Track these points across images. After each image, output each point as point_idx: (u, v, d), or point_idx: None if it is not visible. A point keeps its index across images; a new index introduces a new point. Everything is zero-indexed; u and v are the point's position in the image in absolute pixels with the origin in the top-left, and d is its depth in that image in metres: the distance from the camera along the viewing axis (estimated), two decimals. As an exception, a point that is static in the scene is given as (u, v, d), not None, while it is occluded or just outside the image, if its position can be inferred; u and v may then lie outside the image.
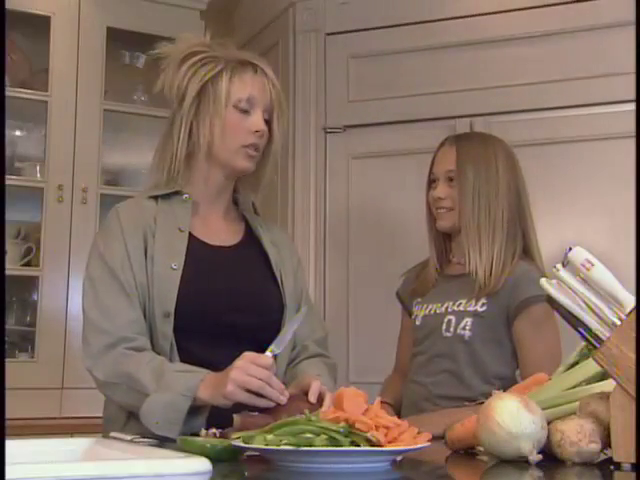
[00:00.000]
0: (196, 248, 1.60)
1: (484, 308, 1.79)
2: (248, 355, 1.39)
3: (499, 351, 1.80)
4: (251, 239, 1.70)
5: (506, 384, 1.73)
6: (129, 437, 1.33)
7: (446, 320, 1.82)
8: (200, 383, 1.40)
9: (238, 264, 1.65)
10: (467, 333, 1.79)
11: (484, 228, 1.81)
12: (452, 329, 1.80)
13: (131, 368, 1.46)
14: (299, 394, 1.42)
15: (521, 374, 1.79)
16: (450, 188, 1.86)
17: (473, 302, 1.80)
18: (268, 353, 1.40)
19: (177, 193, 1.65)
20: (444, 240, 1.93)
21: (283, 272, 1.68)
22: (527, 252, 1.85)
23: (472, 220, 1.82)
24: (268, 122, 1.65)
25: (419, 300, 1.94)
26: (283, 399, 1.36)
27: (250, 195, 1.76)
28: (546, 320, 1.75)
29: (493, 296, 1.79)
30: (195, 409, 1.41)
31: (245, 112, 1.61)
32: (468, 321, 1.79)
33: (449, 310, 1.83)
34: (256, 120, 1.61)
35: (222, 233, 1.67)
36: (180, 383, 1.41)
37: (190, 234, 1.62)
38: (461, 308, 1.81)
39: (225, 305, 1.57)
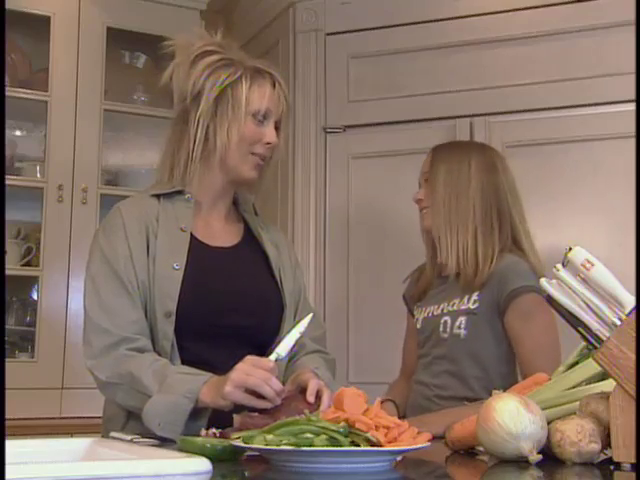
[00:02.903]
0: (197, 249, 1.60)
1: (476, 305, 1.79)
2: (250, 358, 1.40)
3: (497, 346, 1.80)
4: (250, 240, 1.70)
5: (507, 379, 1.74)
6: (129, 437, 1.34)
7: (442, 321, 1.83)
8: (202, 386, 1.41)
9: (238, 265, 1.65)
10: (463, 332, 1.79)
11: (454, 222, 1.84)
12: (448, 329, 1.81)
13: (133, 369, 1.46)
14: (297, 395, 1.42)
15: (519, 368, 1.80)
16: (427, 189, 1.92)
17: (465, 300, 1.81)
18: (271, 357, 1.40)
19: (179, 192, 1.65)
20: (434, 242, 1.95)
21: (283, 272, 1.68)
22: (517, 246, 1.86)
23: (442, 214, 1.86)
24: (279, 127, 1.67)
25: (419, 304, 1.95)
26: (278, 400, 1.36)
27: (250, 196, 1.76)
28: (535, 310, 1.76)
29: (483, 292, 1.79)
30: (197, 411, 1.41)
31: (260, 122, 1.62)
32: (462, 320, 1.80)
33: (444, 311, 1.84)
34: (269, 132, 1.63)
35: (222, 234, 1.67)
36: (183, 385, 1.41)
37: (190, 234, 1.62)
38: (455, 308, 1.82)
39: (226, 305, 1.58)
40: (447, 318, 1.82)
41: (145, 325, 1.54)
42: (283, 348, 1.42)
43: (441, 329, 1.82)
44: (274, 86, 1.64)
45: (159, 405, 1.41)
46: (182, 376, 1.44)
